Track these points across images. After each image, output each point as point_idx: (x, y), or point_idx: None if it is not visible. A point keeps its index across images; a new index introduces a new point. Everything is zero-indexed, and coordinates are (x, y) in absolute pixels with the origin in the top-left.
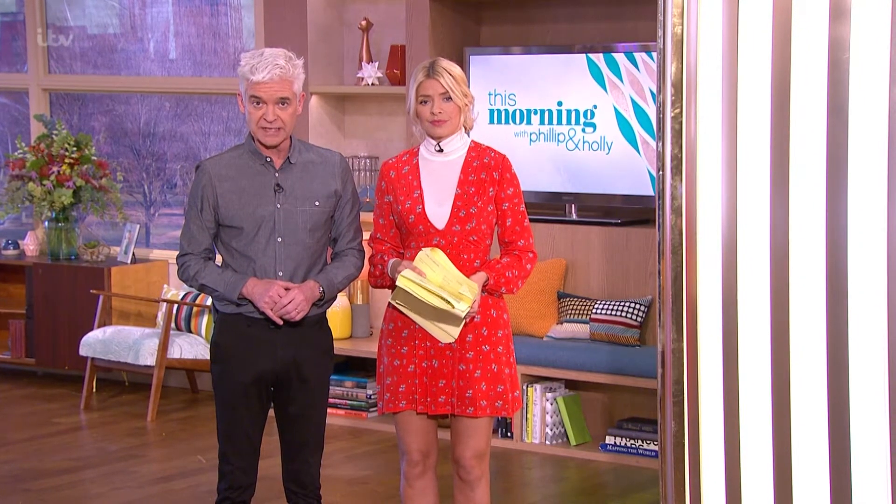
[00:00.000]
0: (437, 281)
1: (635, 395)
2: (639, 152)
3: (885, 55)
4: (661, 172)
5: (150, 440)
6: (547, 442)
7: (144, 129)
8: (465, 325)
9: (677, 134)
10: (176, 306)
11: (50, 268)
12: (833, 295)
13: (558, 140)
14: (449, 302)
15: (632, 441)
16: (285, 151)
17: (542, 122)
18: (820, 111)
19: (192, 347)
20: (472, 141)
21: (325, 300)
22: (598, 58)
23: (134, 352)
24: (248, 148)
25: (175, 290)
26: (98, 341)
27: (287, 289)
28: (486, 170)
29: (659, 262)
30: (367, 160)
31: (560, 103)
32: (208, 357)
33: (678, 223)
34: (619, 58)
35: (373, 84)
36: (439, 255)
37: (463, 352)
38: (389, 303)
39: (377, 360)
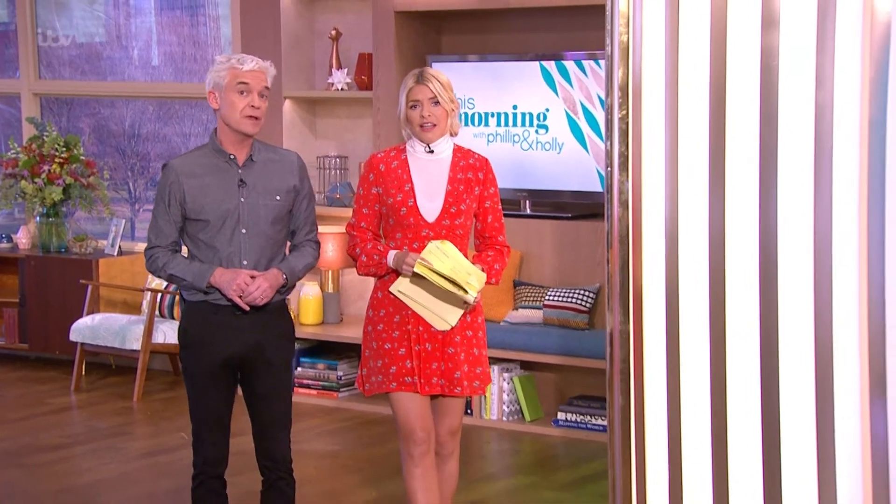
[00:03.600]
0: (446, 271)
1: (585, 375)
2: (587, 152)
3: (812, 61)
4: (609, 169)
5: (136, 419)
6: (504, 418)
7: (129, 130)
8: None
9: (624, 134)
10: (160, 295)
11: (41, 260)
12: (765, 281)
13: (513, 141)
14: (462, 288)
15: (581, 417)
16: (247, 150)
17: (498, 124)
18: (753, 112)
19: (175, 333)
20: (454, 143)
21: (287, 287)
22: (550, 65)
23: (120, 337)
24: (213, 147)
25: (159, 280)
26: (87, 327)
27: (253, 277)
28: (471, 170)
29: (607, 252)
30: (337, 159)
31: (515, 107)
32: None
33: (625, 216)
34: (569, 65)
35: (342, 89)
36: (448, 247)
37: (451, 336)
38: (384, 293)
39: (363, 344)
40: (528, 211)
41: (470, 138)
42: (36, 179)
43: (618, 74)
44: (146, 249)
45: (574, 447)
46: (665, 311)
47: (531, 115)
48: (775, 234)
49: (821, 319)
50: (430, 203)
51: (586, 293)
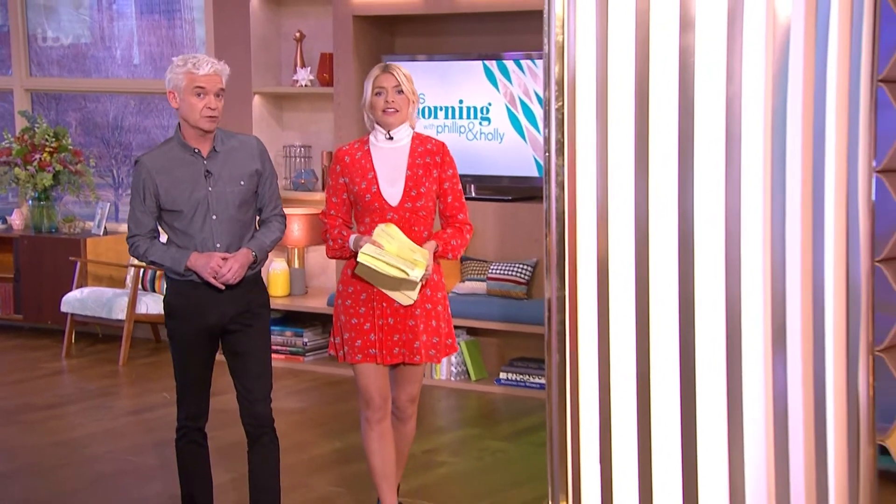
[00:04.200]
0: (393, 251)
1: (524, 339)
2: (525, 141)
3: (723, 59)
4: (547, 154)
5: (122, 381)
6: (452, 378)
7: (113, 122)
8: (421, 285)
9: (560, 123)
10: (142, 270)
11: (34, 239)
12: (683, 251)
13: (460, 132)
14: (404, 271)
15: (521, 376)
16: (210, 142)
17: (446, 117)
18: (672, 103)
19: (157, 304)
20: (413, 131)
21: (259, 262)
22: (492, 64)
23: (107, 308)
24: (178, 142)
25: None
26: (76, 300)
27: (225, 259)
28: (429, 155)
29: (546, 227)
30: (302, 148)
31: (461, 101)
32: None
33: (562, 195)
34: (509, 64)
35: (306, 85)
36: (393, 229)
37: (412, 310)
38: (353, 272)
39: (335, 316)
40: (473, 194)
41: (421, 130)
42: (28, 167)
43: (554, 71)
44: (128, 238)
45: (514, 403)
46: (596, 279)
47: (475, 108)
48: (692, 210)
49: (731, 283)
50: (391, 188)
51: (525, 267)
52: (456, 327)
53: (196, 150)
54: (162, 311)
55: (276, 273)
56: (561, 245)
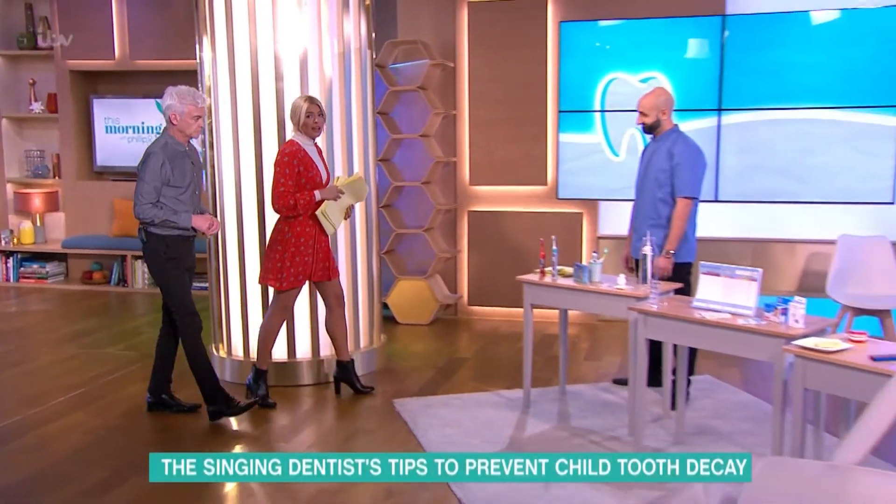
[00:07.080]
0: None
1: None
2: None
3: (297, 93)
4: (204, 150)
5: None
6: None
7: None
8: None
9: (210, 132)
10: None
11: None
12: (239, 206)
13: (143, 141)
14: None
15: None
16: (187, 142)
17: (135, 132)
18: (273, 121)
19: None
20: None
21: None
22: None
23: None
24: (171, 140)
25: None
26: None
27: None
28: (321, 152)
29: (209, 192)
30: (37, 151)
31: (143, 122)
32: None
33: (212, 173)
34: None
35: (38, 112)
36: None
37: (327, 239)
38: (316, 214)
39: (280, 258)
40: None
41: (116, 142)
42: None
43: (207, 101)
44: (142, 205)
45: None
46: (236, 222)
47: (152, 127)
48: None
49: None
50: (325, 172)
51: None
52: None
53: (185, 147)
54: None
55: (25, 229)
56: (214, 201)
